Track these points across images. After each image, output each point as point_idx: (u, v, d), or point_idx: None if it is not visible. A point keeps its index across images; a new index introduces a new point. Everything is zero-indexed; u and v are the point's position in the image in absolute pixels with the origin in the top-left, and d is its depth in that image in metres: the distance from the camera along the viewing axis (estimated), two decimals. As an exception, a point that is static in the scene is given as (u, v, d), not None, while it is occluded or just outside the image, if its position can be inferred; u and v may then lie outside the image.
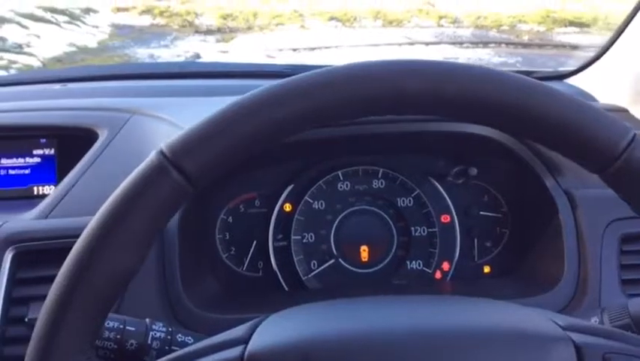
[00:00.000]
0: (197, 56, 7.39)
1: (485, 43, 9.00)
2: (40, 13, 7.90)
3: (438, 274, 0.91)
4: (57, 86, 1.16)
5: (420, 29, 9.77)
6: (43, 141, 0.98)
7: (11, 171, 0.99)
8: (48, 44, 7.03)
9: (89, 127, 0.86)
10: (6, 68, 6.05)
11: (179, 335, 0.58)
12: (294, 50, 8.16)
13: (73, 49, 7.16)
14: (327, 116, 0.46)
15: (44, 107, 0.96)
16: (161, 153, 0.46)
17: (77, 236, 0.72)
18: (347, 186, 0.88)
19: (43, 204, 0.75)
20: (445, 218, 0.89)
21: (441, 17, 10.22)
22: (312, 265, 0.86)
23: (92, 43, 7.58)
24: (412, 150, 0.88)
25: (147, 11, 9.18)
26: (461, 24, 10.23)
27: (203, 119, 0.46)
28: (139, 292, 0.67)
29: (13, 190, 0.97)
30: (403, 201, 0.87)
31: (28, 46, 6.91)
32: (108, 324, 0.56)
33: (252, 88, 1.09)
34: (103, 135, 0.83)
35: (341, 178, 0.88)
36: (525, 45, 9.19)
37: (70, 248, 0.73)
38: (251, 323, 0.48)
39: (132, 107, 0.88)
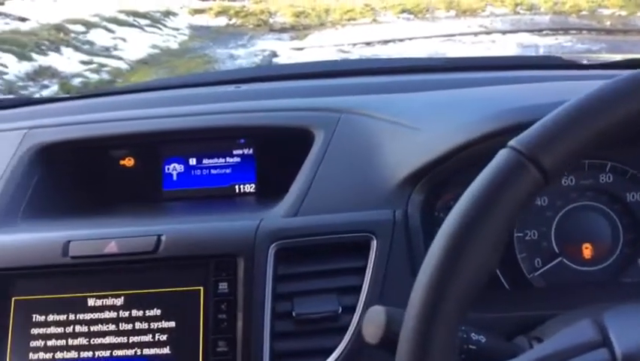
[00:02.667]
0: (274, 54, 7.50)
1: (565, 30, 8.69)
2: (123, 17, 8.22)
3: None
4: (231, 88, 1.19)
5: (495, 17, 9.55)
6: (242, 141, 1.01)
7: (213, 171, 1.02)
8: (133, 47, 7.30)
9: (304, 127, 0.88)
10: (96, 71, 6.33)
11: (473, 334, 0.58)
12: (368, 43, 8.14)
13: (157, 51, 7.42)
14: None
15: (242, 109, 0.98)
16: (514, 149, 0.45)
17: (333, 233, 0.74)
18: (571, 181, 0.85)
19: (287, 202, 0.76)
20: None
21: (517, 4, 9.96)
22: (536, 262, 0.84)
23: (174, 45, 7.83)
24: None
25: (223, 12, 9.40)
26: (538, 11, 9.92)
27: (555, 112, 0.46)
28: (401, 288, 0.68)
29: (216, 189, 1.00)
30: (633, 196, 0.84)
31: (115, 49, 7.20)
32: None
33: (442, 82, 1.08)
34: (320, 135, 0.85)
35: (566, 173, 0.85)
36: (608, 31, 8.81)
37: (327, 245, 0.75)
38: (587, 323, 0.47)
39: (341, 107, 0.89)
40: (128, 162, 0.99)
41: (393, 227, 0.70)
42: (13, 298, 0.69)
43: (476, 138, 0.70)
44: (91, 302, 0.69)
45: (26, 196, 0.84)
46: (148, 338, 0.67)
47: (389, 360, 0.66)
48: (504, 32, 8.63)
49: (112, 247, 0.70)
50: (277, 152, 0.95)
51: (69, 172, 0.92)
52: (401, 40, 8.29)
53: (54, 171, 0.89)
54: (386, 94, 0.95)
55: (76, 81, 5.91)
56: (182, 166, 1.00)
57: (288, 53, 7.64)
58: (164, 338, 0.67)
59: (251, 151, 1.01)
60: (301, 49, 7.91)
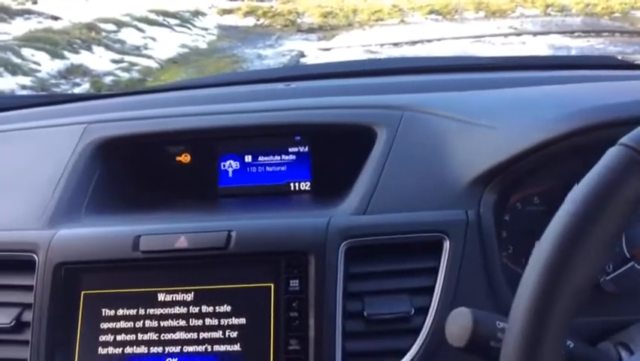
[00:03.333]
0: (301, 54, 7.51)
1: (598, 32, 8.54)
2: (153, 16, 8.31)
3: None
4: (280, 86, 1.18)
5: (525, 19, 9.43)
6: (297, 138, 1.00)
7: (268, 168, 1.02)
8: (163, 46, 7.37)
9: (366, 125, 0.86)
10: (127, 69, 6.40)
11: None
12: (395, 44, 8.10)
13: (186, 50, 7.48)
14: None
15: (299, 107, 0.97)
16: (628, 146, 0.44)
17: (404, 232, 0.73)
18: None
19: (355, 200, 0.75)
20: None
21: (547, 6, 9.81)
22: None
23: (203, 45, 7.88)
24: None
25: (251, 12, 9.44)
26: (569, 12, 9.76)
27: None
28: (475, 289, 0.67)
29: (271, 186, 0.99)
30: None
31: (145, 48, 7.28)
32: (499, 325, 0.55)
33: (502, 80, 1.06)
34: (382, 133, 0.83)
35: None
36: (641, 33, 8.64)
37: (398, 244, 0.74)
38: None
39: (402, 104, 0.88)
40: (185, 158, 0.99)
41: (466, 227, 0.69)
42: (82, 292, 0.70)
43: (557, 136, 0.68)
44: (161, 297, 0.69)
45: (88, 191, 0.84)
46: (218, 334, 0.67)
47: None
48: (535, 34, 8.52)
49: (182, 242, 0.70)
50: (333, 150, 0.94)
51: (126, 167, 0.92)
52: (429, 41, 8.24)
53: (113, 166, 0.89)
54: (445, 92, 0.93)
55: (108, 79, 5.98)
56: (238, 163, 1.00)
57: (315, 53, 7.64)
58: (234, 334, 0.66)
59: (306, 149, 1.00)
60: (328, 49, 7.90)
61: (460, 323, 0.53)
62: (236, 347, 0.66)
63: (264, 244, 0.69)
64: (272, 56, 7.43)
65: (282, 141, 0.99)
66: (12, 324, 0.71)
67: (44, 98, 1.92)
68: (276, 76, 1.26)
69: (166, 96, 1.15)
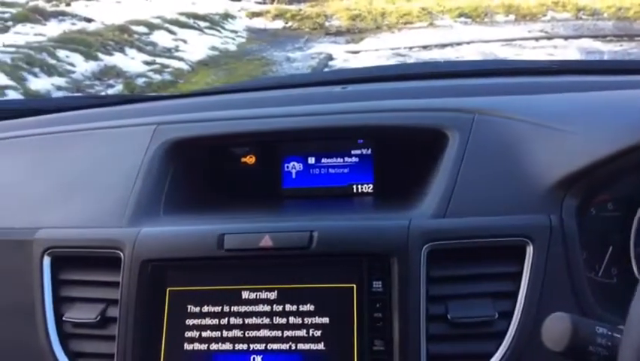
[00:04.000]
0: (330, 57, 7.52)
1: (631, 37, 8.39)
2: (183, 19, 8.39)
3: None
4: (337, 89, 1.19)
5: (556, 22, 9.30)
6: (360, 141, 1.01)
7: (331, 170, 1.03)
8: (193, 49, 7.45)
9: (436, 128, 0.87)
10: (159, 71, 6.48)
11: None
12: (425, 47, 8.06)
13: (216, 53, 7.54)
14: None
15: (363, 109, 0.98)
16: None
17: (487, 236, 0.72)
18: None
19: (433, 203, 0.76)
20: None
21: (579, 9, 9.66)
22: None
23: (232, 47, 7.94)
24: None
25: (280, 15, 9.48)
26: (601, 16, 9.61)
27: None
28: (559, 294, 0.67)
29: (334, 188, 1.00)
30: None
31: (176, 50, 7.36)
32: (598, 330, 0.55)
33: (569, 84, 1.05)
34: (454, 136, 0.84)
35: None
36: (675, 37, 8.47)
37: (480, 248, 0.74)
38: None
39: (473, 107, 0.88)
40: (250, 159, 1.00)
41: (549, 233, 0.69)
42: (168, 289, 0.71)
43: None
44: (245, 295, 0.70)
45: (164, 191, 0.86)
46: (302, 332, 0.68)
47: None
48: (566, 37, 8.40)
49: (266, 241, 0.71)
50: (396, 153, 0.95)
51: (195, 168, 0.94)
52: (459, 44, 8.18)
53: (183, 167, 0.91)
54: (513, 95, 0.93)
55: (140, 81, 6.06)
56: (301, 165, 1.01)
57: (343, 55, 7.64)
58: (317, 333, 0.67)
59: (369, 151, 1.01)
60: (357, 52, 7.90)
61: (558, 328, 0.53)
62: (320, 346, 0.67)
63: (346, 245, 0.70)
64: (301, 58, 7.44)
65: (345, 144, 1.00)
66: (97, 319, 0.73)
67: (112, 98, 1.97)
68: (330, 79, 1.27)
69: (227, 98, 1.17)
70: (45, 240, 0.78)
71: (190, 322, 0.70)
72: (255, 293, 0.70)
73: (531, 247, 0.68)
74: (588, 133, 0.74)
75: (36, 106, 1.23)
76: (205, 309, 0.70)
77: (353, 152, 1.02)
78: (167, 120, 0.95)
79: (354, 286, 0.68)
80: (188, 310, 0.70)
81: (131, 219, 0.79)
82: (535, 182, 0.74)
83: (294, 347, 0.68)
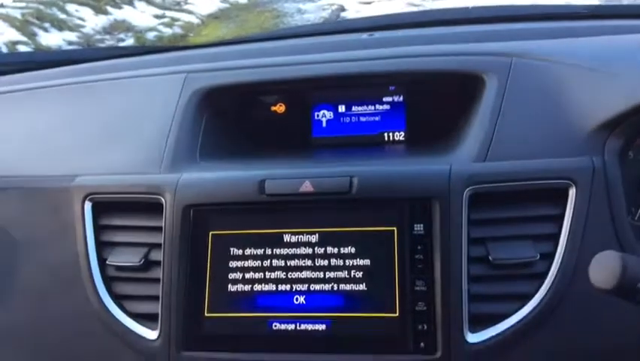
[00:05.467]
0: (342, 8, 7.37)
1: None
2: (192, -30, 8.21)
3: None
4: (364, 35, 1.17)
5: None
6: (392, 88, 1.00)
7: (362, 118, 1.02)
8: (203, 1, 7.32)
9: (473, 72, 0.86)
10: (169, 25, 6.39)
11: None
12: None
13: (227, 5, 7.41)
14: None
15: (394, 55, 0.97)
16: None
17: (529, 179, 0.71)
18: None
19: (474, 147, 0.75)
20: None
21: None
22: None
23: (243, 0, 7.79)
24: None
25: (290, -35, 9.27)
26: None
27: None
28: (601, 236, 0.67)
29: (365, 136, 1.00)
30: None
31: (185, 3, 7.24)
32: None
33: (608, 28, 1.02)
34: (492, 80, 0.82)
35: None
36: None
37: (522, 191, 0.73)
38: None
39: (511, 51, 0.86)
40: (279, 108, 1.00)
41: (592, 174, 0.68)
42: (210, 233, 0.72)
43: None
44: (286, 238, 0.71)
45: (199, 138, 0.86)
46: (344, 274, 0.69)
47: (594, 309, 0.66)
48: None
49: (307, 186, 0.71)
50: (428, 99, 0.94)
51: (227, 116, 0.94)
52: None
53: (216, 115, 0.91)
54: (550, 39, 0.91)
55: (151, 35, 5.99)
56: (332, 113, 1.00)
57: (356, 7, 7.48)
58: (359, 275, 0.69)
59: (401, 98, 1.00)
60: (369, 2, 7.73)
61: (607, 266, 0.54)
62: (362, 287, 0.68)
63: (387, 189, 0.71)
64: (312, 10, 7.30)
65: (376, 91, 0.99)
66: (141, 263, 0.75)
67: (138, 49, 1.96)
68: (355, 26, 1.24)
69: (254, 47, 1.15)
70: (85, 186, 0.79)
71: (233, 264, 0.71)
72: (297, 236, 0.71)
73: (574, 189, 0.68)
74: (630, 74, 0.73)
75: (64, 57, 1.22)
76: (247, 252, 0.71)
77: (384, 99, 1.00)
78: (197, 69, 0.94)
79: (395, 229, 0.69)
80: (231, 253, 0.72)
81: (169, 165, 0.80)
82: (576, 124, 0.73)
83: (335, 288, 0.69)
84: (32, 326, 0.79)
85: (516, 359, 0.65)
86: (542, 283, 0.66)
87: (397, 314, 0.67)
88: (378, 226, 0.70)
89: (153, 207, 0.76)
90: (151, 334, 0.72)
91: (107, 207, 0.79)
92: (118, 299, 0.75)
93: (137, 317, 0.74)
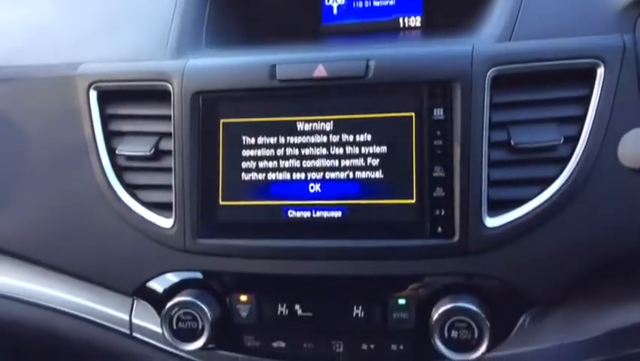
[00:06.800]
0: None
1: None
2: None
3: None
4: None
5: None
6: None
7: (376, 3, 0.97)
8: None
9: None
10: None
11: None
12: None
13: None
14: None
15: None
16: None
17: (555, 59, 0.66)
18: None
19: (498, 27, 0.70)
20: None
21: None
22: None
23: None
24: None
25: None
26: None
27: None
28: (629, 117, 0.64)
29: (378, 22, 0.95)
30: None
31: None
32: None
33: None
34: None
35: None
36: None
37: (548, 71, 0.68)
38: None
39: None
40: (288, -8, 0.94)
41: (623, 53, 0.64)
42: (220, 121, 0.70)
43: None
44: (300, 126, 0.69)
45: (204, 24, 0.82)
46: (360, 162, 0.67)
47: (617, 194, 0.64)
48: None
49: (320, 71, 0.68)
50: None
51: (231, 2, 0.89)
52: None
53: (221, 1, 0.86)
54: None
55: None
56: (343, -2, 0.95)
57: None
58: (375, 162, 0.67)
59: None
60: None
61: (636, 145, 0.52)
62: (378, 174, 0.67)
63: (405, 72, 0.67)
64: None
65: None
66: (151, 152, 0.73)
67: None
68: None
69: None
70: (89, 74, 0.76)
71: (246, 153, 0.69)
72: (310, 124, 0.68)
73: (602, 69, 0.64)
74: None
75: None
76: (260, 140, 0.69)
77: (397, -17, 0.95)
78: None
79: (413, 114, 0.66)
80: (243, 141, 0.69)
81: (174, 51, 0.76)
82: (607, 1, 0.68)
83: (351, 176, 0.67)
84: (44, 219, 0.79)
85: (535, 244, 0.64)
86: (565, 167, 0.64)
87: (414, 201, 0.66)
88: (395, 112, 0.67)
89: (161, 95, 0.73)
90: (166, 222, 0.72)
91: (113, 95, 0.77)
92: (130, 188, 0.74)
93: (150, 206, 0.73)
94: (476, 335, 0.64)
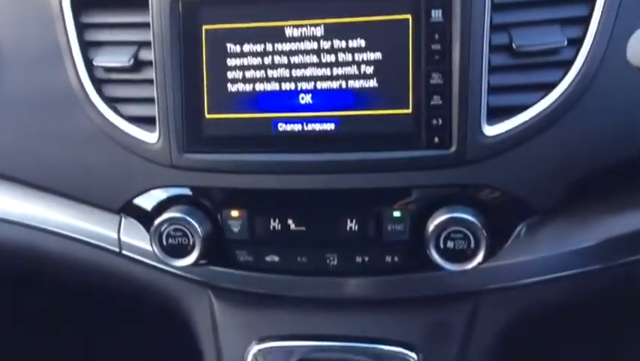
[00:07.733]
0: None
1: None
2: None
3: None
4: None
5: None
6: None
7: None
8: None
9: None
10: None
11: None
12: None
13: None
14: None
15: None
16: None
17: None
18: None
19: None
20: None
21: None
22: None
23: None
24: None
25: None
26: None
27: None
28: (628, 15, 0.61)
29: None
30: None
31: None
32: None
33: None
34: None
35: None
36: None
37: None
38: None
39: None
40: None
41: None
42: (203, 27, 0.65)
43: None
44: (288, 32, 0.64)
45: None
46: (353, 70, 0.63)
47: (620, 99, 0.62)
48: None
49: None
50: None
51: None
52: None
53: None
54: None
55: None
56: None
57: None
58: (369, 70, 0.63)
59: None
60: None
61: None
62: (373, 83, 0.63)
63: None
64: None
65: None
66: (131, 63, 0.69)
67: None
68: None
69: None
70: None
71: (231, 62, 0.65)
72: (300, 30, 0.64)
73: None
74: None
75: None
76: (246, 48, 0.65)
77: None
78: None
79: (410, 17, 0.62)
80: (228, 49, 0.65)
81: None
82: None
83: (344, 85, 0.64)
84: (21, 134, 0.75)
85: (535, 152, 0.62)
86: (568, 70, 0.61)
87: (410, 110, 0.63)
88: (390, 15, 0.62)
89: (138, 2, 0.68)
90: (150, 137, 0.68)
91: (87, 4, 0.71)
92: (111, 102, 0.70)
93: (133, 120, 0.70)
94: (472, 246, 0.63)
